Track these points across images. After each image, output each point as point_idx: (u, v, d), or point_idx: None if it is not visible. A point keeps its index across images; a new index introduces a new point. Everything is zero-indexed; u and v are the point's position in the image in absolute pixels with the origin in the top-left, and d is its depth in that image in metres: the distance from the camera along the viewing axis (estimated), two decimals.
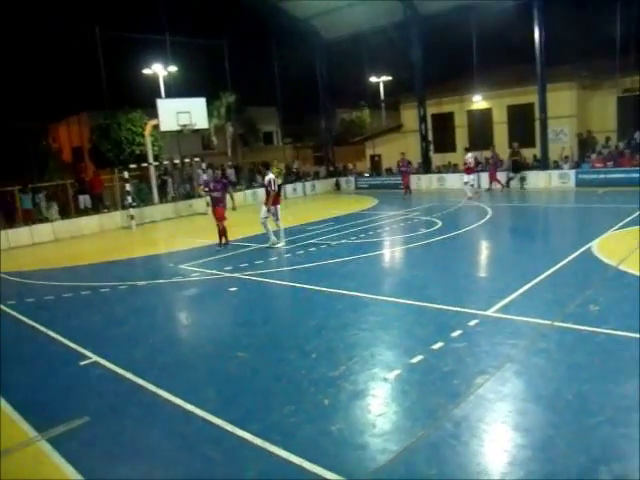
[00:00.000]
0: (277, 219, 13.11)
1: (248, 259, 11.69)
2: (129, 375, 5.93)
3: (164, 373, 5.96)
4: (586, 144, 24.79)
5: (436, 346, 5.88)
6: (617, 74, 23.61)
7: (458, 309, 7.17)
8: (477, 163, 23.43)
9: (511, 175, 23.71)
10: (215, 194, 13.39)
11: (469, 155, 21.66)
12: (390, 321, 7.17)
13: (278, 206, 13.17)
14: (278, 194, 13.35)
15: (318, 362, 5.82)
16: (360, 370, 5.49)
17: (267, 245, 12.96)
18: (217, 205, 13.30)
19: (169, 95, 25.35)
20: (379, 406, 4.79)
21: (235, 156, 32.12)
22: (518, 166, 23.58)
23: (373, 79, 36.27)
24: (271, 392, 5.23)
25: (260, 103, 34.24)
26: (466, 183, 21.46)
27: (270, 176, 12.96)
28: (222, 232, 13.43)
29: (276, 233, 13.07)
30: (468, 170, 21.57)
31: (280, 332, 7.10)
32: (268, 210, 12.85)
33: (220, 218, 13.29)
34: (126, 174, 21.19)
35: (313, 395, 5.03)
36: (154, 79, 25.86)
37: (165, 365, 6.23)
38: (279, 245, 12.92)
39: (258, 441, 4.29)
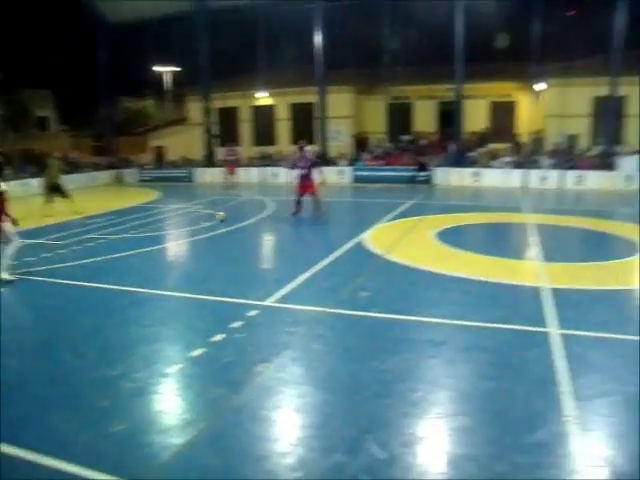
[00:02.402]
0: None
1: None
2: None
3: None
4: (361, 143, 26.80)
5: (217, 338, 5.86)
6: (387, 83, 25.80)
7: (239, 300, 7.24)
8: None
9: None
10: None
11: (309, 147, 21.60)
12: (171, 316, 7.00)
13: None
14: None
15: (96, 362, 5.45)
16: (140, 367, 5.25)
17: None
18: None
19: None
20: (161, 402, 4.65)
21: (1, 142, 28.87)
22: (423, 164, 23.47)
23: (159, 69, 34.96)
24: (44, 399, 4.71)
25: (34, 85, 31.00)
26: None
27: None
28: None
29: None
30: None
31: (54, 334, 6.42)
32: None
33: None
34: None
35: (91, 397, 4.67)
36: None
37: None
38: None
39: (28, 455, 3.84)
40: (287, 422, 4.31)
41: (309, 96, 26.38)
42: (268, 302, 7.08)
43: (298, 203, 13.99)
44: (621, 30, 21.24)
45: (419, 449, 3.90)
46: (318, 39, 24.43)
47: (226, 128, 29.63)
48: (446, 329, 6.18)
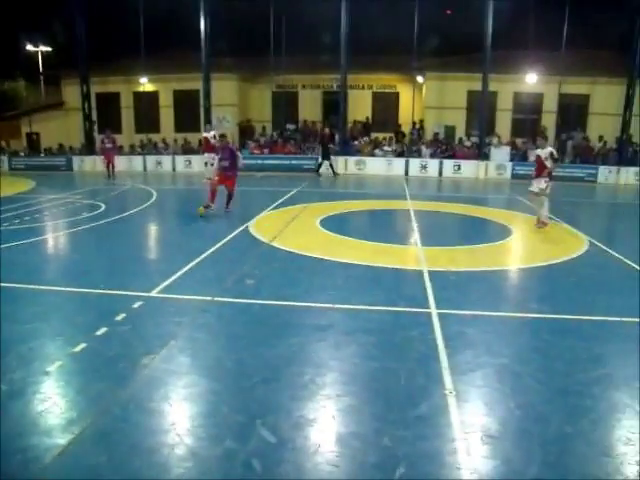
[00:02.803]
0: None
1: None
2: None
3: None
4: (246, 132, 26.68)
5: (100, 332, 5.63)
6: (272, 71, 25.82)
7: (122, 292, 6.98)
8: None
9: (320, 161, 23.08)
10: None
11: (212, 132, 20.74)
12: (51, 311, 6.63)
13: None
14: None
15: None
16: (17, 367, 4.92)
17: None
18: None
19: None
20: (41, 402, 4.36)
21: None
22: (328, 152, 22.98)
23: (32, 48, 32.51)
24: None
25: None
26: (206, 164, 20.27)
27: None
28: None
29: None
30: (209, 148, 20.27)
31: None
32: None
33: None
34: None
35: None
36: None
37: None
38: None
39: None
40: (175, 413, 4.22)
41: (194, 83, 25.75)
42: (153, 293, 6.88)
43: (213, 194, 12.46)
44: (490, 31, 22.61)
45: (309, 430, 3.96)
46: (202, 25, 23.92)
47: (107, 114, 28.27)
48: (332, 313, 6.31)
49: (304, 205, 14.03)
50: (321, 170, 22.84)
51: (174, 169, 24.54)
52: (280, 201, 14.57)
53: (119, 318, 6.03)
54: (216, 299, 6.70)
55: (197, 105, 26.13)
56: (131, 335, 5.62)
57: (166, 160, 24.78)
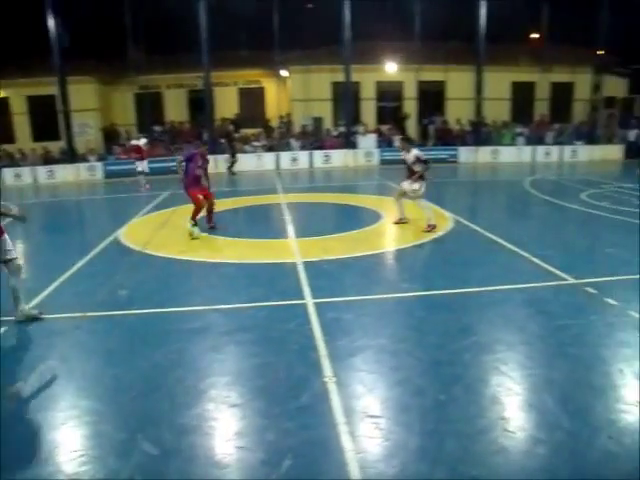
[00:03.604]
0: None
1: None
2: None
3: None
4: (111, 137, 25.59)
5: None
6: (132, 72, 24.95)
7: None
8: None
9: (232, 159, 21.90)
10: None
11: (143, 140, 19.58)
12: None
13: None
14: None
15: None
16: None
17: None
18: None
19: None
20: None
21: None
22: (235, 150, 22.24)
23: None
24: None
25: None
26: (141, 172, 18.97)
27: None
28: None
29: None
30: (141, 155, 19.05)
31: None
32: None
33: None
34: None
35: None
36: None
37: None
38: None
39: None
40: (51, 441, 3.98)
41: (49, 88, 24.15)
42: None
43: (198, 211, 10.42)
44: (349, 23, 23.26)
45: (193, 437, 3.91)
46: (51, 24, 22.38)
47: None
48: (208, 315, 6.26)
49: (176, 208, 13.73)
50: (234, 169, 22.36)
51: (35, 181, 23.03)
52: (151, 206, 14.17)
53: None
54: (88, 314, 6.41)
55: (53, 111, 24.64)
56: None
57: (26, 172, 23.19)
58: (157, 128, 25.82)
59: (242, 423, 4.10)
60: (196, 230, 10.19)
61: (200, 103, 24.71)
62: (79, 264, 8.65)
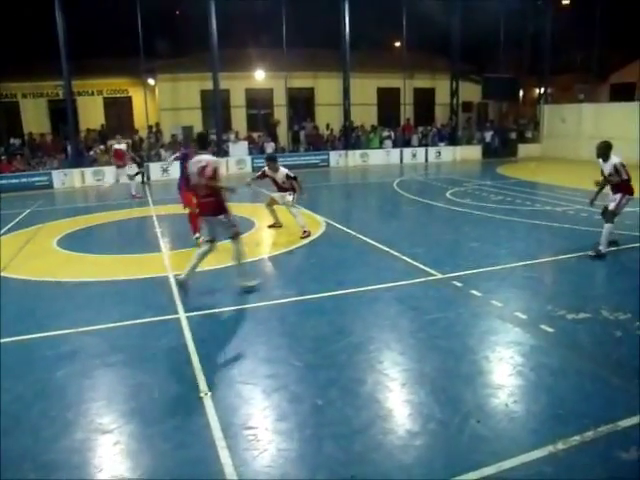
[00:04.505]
0: None
1: None
2: None
3: None
4: None
5: None
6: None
7: None
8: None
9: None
10: None
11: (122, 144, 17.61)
12: None
13: None
14: None
15: None
16: None
17: None
18: None
19: None
20: None
21: None
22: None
23: None
24: None
25: None
26: (131, 177, 17.26)
27: None
28: None
29: None
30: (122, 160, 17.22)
31: None
32: None
33: None
34: None
35: None
36: None
37: None
38: None
39: None
40: None
41: None
42: None
43: (195, 220, 9.63)
44: (215, 31, 23.01)
45: (60, 473, 3.62)
46: None
47: None
48: (76, 338, 5.87)
49: (39, 226, 12.85)
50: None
51: None
52: (10, 225, 13.14)
53: None
54: None
55: None
56: None
57: None
58: (15, 141, 24.07)
59: (116, 450, 3.88)
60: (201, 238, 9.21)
61: (62, 113, 23.30)
62: None
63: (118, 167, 17.51)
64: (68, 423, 4.23)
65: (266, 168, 10.56)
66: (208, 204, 6.98)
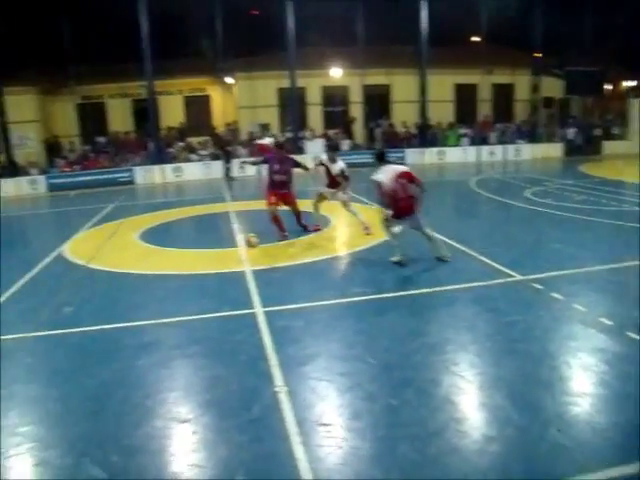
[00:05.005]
0: None
1: None
2: None
3: None
4: (53, 149, 24.90)
5: None
6: (73, 82, 24.39)
7: None
8: None
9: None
10: None
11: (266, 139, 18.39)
12: None
13: None
14: None
15: None
16: None
17: None
18: None
19: None
20: None
21: None
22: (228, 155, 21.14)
23: None
24: None
25: None
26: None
27: None
28: None
29: None
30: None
31: None
32: None
33: None
34: None
35: None
36: None
37: None
38: None
39: None
40: None
41: None
42: None
43: (277, 221, 10.11)
44: (293, 29, 23.33)
45: (140, 458, 3.77)
46: None
47: None
48: (156, 329, 6.12)
49: (122, 220, 13.42)
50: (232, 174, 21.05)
51: None
52: (96, 219, 13.80)
53: None
54: (31, 335, 6.17)
55: None
56: None
57: None
58: (101, 139, 25.24)
59: (192, 439, 4.00)
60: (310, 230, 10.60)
61: (145, 112, 24.26)
62: (21, 282, 8.33)
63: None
64: (148, 410, 4.39)
65: (324, 157, 10.35)
66: (409, 206, 7.92)
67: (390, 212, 7.85)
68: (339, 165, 10.08)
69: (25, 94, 24.43)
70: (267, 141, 17.99)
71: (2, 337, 6.12)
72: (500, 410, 4.10)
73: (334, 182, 10.16)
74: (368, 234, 10.02)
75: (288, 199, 10.24)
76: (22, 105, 24.10)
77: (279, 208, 10.15)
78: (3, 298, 7.57)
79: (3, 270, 9.51)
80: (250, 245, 9.61)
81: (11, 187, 21.92)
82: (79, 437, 4.09)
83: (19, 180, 22.41)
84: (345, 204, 10.28)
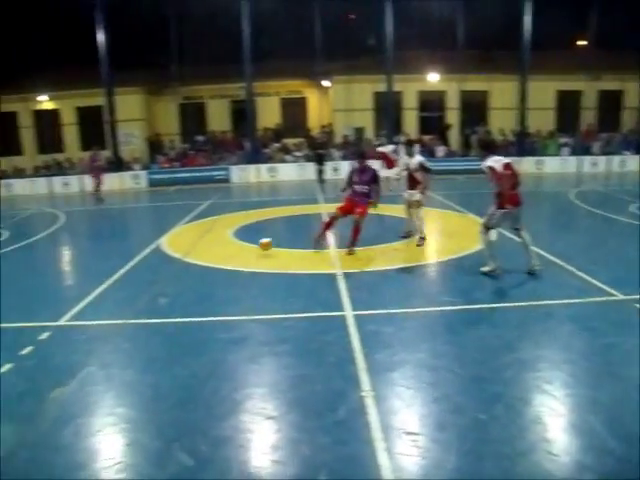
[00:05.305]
0: None
1: None
2: None
3: None
4: (155, 146, 26.12)
5: (4, 369, 5.27)
6: (177, 83, 25.49)
7: (28, 324, 6.58)
8: None
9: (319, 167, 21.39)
10: None
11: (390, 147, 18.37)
12: None
13: None
14: None
15: None
16: None
17: None
18: None
19: None
20: None
21: None
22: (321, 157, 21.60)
23: None
24: None
25: None
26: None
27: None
28: None
29: None
30: (389, 163, 17.42)
31: None
32: None
33: None
34: None
35: None
36: None
37: None
38: None
39: None
40: (89, 448, 4.01)
41: (97, 98, 24.80)
42: (62, 322, 6.56)
43: (328, 226, 9.86)
44: (391, 33, 23.22)
45: (227, 448, 3.89)
46: (101, 37, 23.11)
47: (2, 135, 26.49)
48: (247, 325, 6.27)
49: (217, 217, 13.88)
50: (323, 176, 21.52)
51: (83, 190, 23.52)
52: (193, 215, 14.35)
53: (25, 352, 5.73)
54: (129, 322, 6.51)
55: (101, 121, 25.33)
56: (38, 369, 5.36)
57: (73, 180, 23.79)
58: (200, 138, 26.20)
59: (277, 436, 4.06)
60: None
61: (243, 113, 24.96)
62: (121, 271, 8.79)
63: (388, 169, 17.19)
64: (236, 404, 4.50)
65: (404, 156, 10.08)
66: (518, 197, 7.92)
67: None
68: (417, 159, 9.73)
69: (132, 94, 25.87)
70: (389, 148, 17.77)
71: (103, 322, 6.50)
72: (596, 437, 3.89)
73: (414, 182, 9.78)
74: (419, 245, 9.76)
75: (358, 210, 9.48)
76: (130, 104, 25.54)
77: (342, 217, 9.68)
78: (105, 285, 8.02)
79: (107, 259, 10.09)
80: (264, 248, 9.59)
81: (116, 181, 23.18)
82: (169, 423, 4.26)
83: (123, 175, 23.69)
84: (416, 205, 9.76)
